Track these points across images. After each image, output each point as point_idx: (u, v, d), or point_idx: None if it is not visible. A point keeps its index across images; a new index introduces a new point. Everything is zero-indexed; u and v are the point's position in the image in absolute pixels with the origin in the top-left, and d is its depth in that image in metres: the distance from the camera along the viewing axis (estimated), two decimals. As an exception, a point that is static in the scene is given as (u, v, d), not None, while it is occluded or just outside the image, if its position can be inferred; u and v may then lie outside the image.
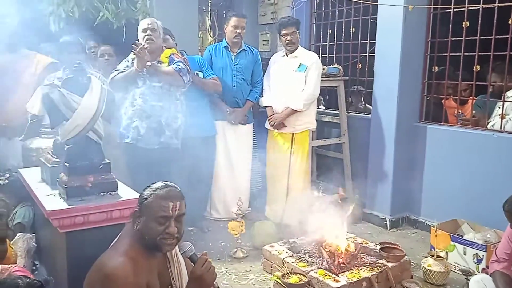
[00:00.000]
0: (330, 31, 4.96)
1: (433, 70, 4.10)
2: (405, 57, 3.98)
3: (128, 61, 3.48)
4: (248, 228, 3.68)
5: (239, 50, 4.24)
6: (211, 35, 5.64)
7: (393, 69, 4.01)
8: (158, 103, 3.41)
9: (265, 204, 4.34)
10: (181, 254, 1.91)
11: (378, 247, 3.25)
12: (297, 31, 4.09)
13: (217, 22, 5.65)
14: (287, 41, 4.06)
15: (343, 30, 4.81)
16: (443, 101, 4.21)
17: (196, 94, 3.85)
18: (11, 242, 2.59)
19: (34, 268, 2.78)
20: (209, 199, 4.29)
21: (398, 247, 3.25)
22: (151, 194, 1.85)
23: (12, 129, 3.38)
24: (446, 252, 3.32)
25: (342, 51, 4.85)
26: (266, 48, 5.52)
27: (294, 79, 4.04)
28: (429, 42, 4.09)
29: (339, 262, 3.00)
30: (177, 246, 1.94)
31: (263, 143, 4.34)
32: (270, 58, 4.37)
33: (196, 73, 3.93)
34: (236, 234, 3.50)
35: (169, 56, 3.53)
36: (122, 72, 3.42)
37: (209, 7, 5.64)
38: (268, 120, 4.19)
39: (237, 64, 4.20)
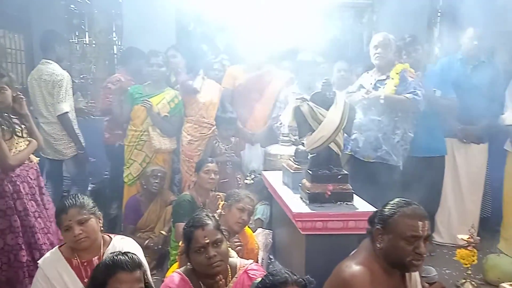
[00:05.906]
0: None
1: None
2: None
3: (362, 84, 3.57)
4: (478, 259, 3.30)
5: (477, 63, 3.87)
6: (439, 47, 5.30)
7: None
8: (377, 118, 3.43)
9: (499, 235, 3.84)
10: (423, 277, 1.84)
11: None
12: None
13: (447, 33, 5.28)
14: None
15: None
16: None
17: (427, 110, 3.66)
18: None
19: (269, 262, 3.10)
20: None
21: None
22: (396, 212, 1.78)
23: (256, 136, 3.88)
24: None
25: None
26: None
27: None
28: None
29: None
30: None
31: (500, 165, 3.84)
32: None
33: (434, 90, 3.75)
34: (466, 264, 3.18)
35: (400, 72, 3.47)
36: (351, 95, 3.55)
37: (438, 17, 5.32)
38: (511, 140, 3.69)
39: (473, 78, 3.83)
